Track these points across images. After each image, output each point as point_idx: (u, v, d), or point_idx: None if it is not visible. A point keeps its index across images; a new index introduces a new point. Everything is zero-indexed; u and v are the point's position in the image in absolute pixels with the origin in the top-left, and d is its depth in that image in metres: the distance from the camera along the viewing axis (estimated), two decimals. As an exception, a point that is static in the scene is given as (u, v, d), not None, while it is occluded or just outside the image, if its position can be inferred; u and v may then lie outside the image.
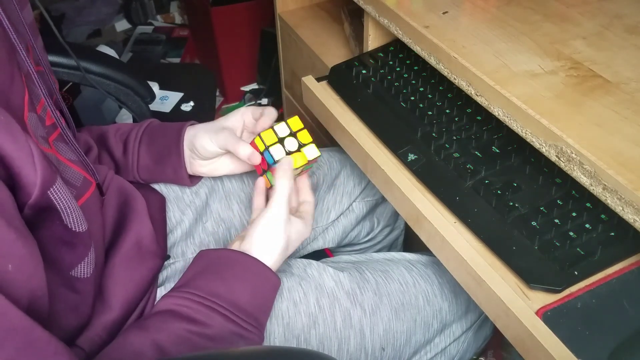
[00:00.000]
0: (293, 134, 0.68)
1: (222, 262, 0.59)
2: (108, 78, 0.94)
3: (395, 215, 0.97)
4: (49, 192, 0.44)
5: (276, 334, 0.64)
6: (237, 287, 0.57)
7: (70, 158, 0.56)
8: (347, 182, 0.88)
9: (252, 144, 0.68)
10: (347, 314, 0.67)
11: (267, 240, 0.61)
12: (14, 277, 0.38)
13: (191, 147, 0.71)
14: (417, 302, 0.71)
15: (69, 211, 0.47)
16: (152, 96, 1.02)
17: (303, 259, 0.73)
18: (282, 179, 0.63)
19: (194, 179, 0.76)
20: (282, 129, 0.68)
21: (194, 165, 0.73)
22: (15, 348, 0.37)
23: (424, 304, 0.72)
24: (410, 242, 1.06)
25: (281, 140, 0.67)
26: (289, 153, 0.67)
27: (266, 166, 0.68)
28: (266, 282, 0.59)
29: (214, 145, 0.69)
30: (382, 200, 0.92)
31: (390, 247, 1.01)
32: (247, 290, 0.57)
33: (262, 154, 0.68)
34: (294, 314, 0.65)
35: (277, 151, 0.67)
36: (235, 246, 0.62)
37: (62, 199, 0.45)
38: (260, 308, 0.58)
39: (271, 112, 0.71)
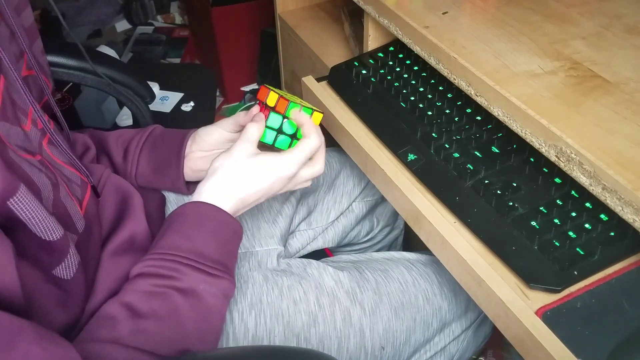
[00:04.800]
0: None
1: (177, 218, 0.58)
2: (108, 78, 0.95)
3: (395, 215, 0.97)
4: (8, 202, 0.42)
5: (276, 333, 0.64)
6: (194, 236, 0.56)
7: (63, 160, 0.57)
8: (347, 182, 0.89)
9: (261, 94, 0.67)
10: (347, 313, 0.67)
11: (222, 184, 0.59)
12: None
13: (195, 138, 0.71)
14: (417, 301, 0.71)
15: (34, 221, 0.45)
16: (152, 96, 1.02)
17: (303, 259, 0.73)
18: (253, 126, 0.62)
19: (192, 189, 0.75)
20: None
21: (194, 159, 0.72)
22: None
23: (424, 303, 0.72)
24: (410, 241, 1.06)
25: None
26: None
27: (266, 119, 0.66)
28: (224, 226, 0.58)
29: (217, 128, 0.69)
30: (382, 200, 0.92)
31: (389, 247, 1.01)
32: (205, 237, 0.56)
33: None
34: (294, 312, 0.65)
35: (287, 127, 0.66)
36: (197, 192, 0.60)
37: (26, 210, 0.44)
38: (225, 253, 0.57)
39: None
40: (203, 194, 0.59)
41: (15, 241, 0.45)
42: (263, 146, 0.65)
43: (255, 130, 0.62)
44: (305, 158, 0.63)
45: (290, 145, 0.67)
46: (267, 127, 0.65)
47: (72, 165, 0.58)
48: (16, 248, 0.45)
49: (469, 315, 0.76)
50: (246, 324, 0.64)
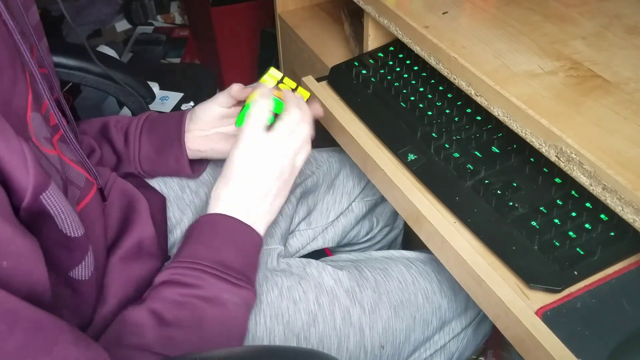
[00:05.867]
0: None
1: (200, 228, 0.59)
2: (108, 78, 0.95)
3: (395, 214, 0.97)
4: (41, 197, 0.43)
5: (276, 332, 0.64)
6: (219, 246, 0.57)
7: (72, 159, 0.57)
8: (347, 182, 0.89)
9: None
10: (347, 312, 0.67)
11: (237, 193, 0.60)
12: (10, 273, 0.38)
13: (191, 117, 0.73)
14: (416, 299, 0.71)
15: (63, 216, 0.46)
16: (152, 96, 1.02)
17: (302, 259, 0.73)
18: (256, 104, 0.63)
19: (196, 169, 0.76)
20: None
21: (192, 139, 0.73)
22: (24, 333, 0.37)
23: (423, 301, 0.72)
24: (409, 241, 1.06)
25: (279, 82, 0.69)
26: None
27: None
28: (246, 238, 0.59)
29: (212, 104, 0.71)
30: (382, 200, 0.92)
31: (389, 247, 1.01)
32: (229, 248, 0.57)
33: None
34: (293, 312, 0.65)
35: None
36: (213, 199, 0.61)
37: (56, 204, 0.45)
38: (246, 264, 0.58)
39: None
40: (219, 205, 0.60)
41: (38, 239, 0.45)
42: None
43: (256, 111, 0.62)
44: (289, 131, 0.63)
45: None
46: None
47: (82, 164, 0.58)
48: None
49: (469, 314, 0.76)
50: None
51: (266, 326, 0.63)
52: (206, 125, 0.72)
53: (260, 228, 0.61)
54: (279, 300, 0.65)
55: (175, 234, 0.74)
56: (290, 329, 0.64)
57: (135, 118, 0.75)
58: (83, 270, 0.51)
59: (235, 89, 0.70)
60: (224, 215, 0.60)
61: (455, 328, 0.75)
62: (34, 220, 0.45)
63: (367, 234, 0.94)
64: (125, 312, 0.54)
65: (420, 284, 0.72)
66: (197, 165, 0.77)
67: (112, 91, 0.97)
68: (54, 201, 0.44)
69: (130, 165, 0.74)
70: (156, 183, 0.76)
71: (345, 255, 0.78)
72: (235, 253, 0.58)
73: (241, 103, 0.73)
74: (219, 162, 0.82)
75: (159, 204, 0.73)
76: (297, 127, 0.63)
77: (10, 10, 0.49)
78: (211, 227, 0.59)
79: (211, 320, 0.54)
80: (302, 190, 0.83)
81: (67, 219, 0.47)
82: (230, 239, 0.58)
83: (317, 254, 0.89)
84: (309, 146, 0.65)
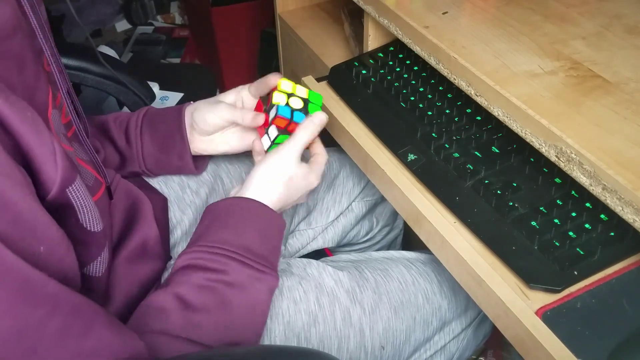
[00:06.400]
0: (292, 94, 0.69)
1: (225, 211, 0.60)
2: (108, 78, 0.95)
3: (394, 214, 0.97)
4: (67, 190, 0.44)
5: (277, 332, 0.64)
6: (243, 231, 0.58)
7: (82, 157, 0.57)
8: (347, 182, 0.89)
9: (258, 104, 0.70)
10: (347, 312, 0.67)
11: (265, 182, 0.62)
12: (46, 259, 0.39)
13: (191, 121, 0.72)
14: (417, 300, 0.71)
15: (85, 210, 0.47)
16: (152, 96, 1.02)
17: (303, 259, 0.73)
18: (305, 130, 0.65)
19: (199, 166, 0.76)
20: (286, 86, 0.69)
21: (194, 141, 0.73)
22: (64, 316, 0.38)
23: (424, 302, 0.72)
24: (409, 241, 1.06)
25: (289, 96, 0.68)
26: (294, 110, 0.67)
27: (267, 124, 0.68)
28: (270, 222, 0.60)
29: (214, 117, 0.70)
30: (382, 200, 0.92)
31: (389, 247, 1.01)
32: (254, 233, 0.58)
33: (268, 112, 0.68)
34: (294, 312, 0.65)
35: (295, 103, 0.68)
36: (234, 192, 0.63)
37: (80, 198, 0.46)
38: (270, 249, 0.59)
39: (274, 75, 0.71)
40: (250, 189, 0.62)
41: None
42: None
43: (304, 135, 0.65)
44: (318, 173, 0.68)
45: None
46: (274, 143, 0.68)
47: (91, 163, 0.59)
48: None
49: (469, 314, 0.76)
50: None
51: (266, 326, 0.64)
52: (207, 132, 0.73)
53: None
54: (280, 300, 0.65)
55: (176, 234, 0.74)
56: (291, 329, 0.64)
57: (134, 114, 0.75)
58: (98, 266, 0.52)
59: (249, 119, 0.68)
60: (248, 198, 0.60)
61: (456, 328, 0.75)
62: (56, 213, 0.45)
63: (367, 234, 0.94)
64: (151, 296, 0.54)
65: (420, 285, 0.72)
66: (200, 162, 0.77)
67: (112, 91, 0.97)
68: (79, 195, 0.45)
69: (135, 164, 0.74)
70: (157, 183, 0.76)
71: (346, 255, 0.78)
72: (259, 238, 0.58)
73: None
74: (221, 162, 0.82)
75: (160, 204, 0.73)
76: (320, 170, 0.68)
77: (33, 5, 0.50)
78: (235, 211, 0.60)
79: (236, 305, 0.54)
80: None
81: (89, 213, 0.48)
82: (254, 222, 0.59)
83: (317, 254, 0.89)
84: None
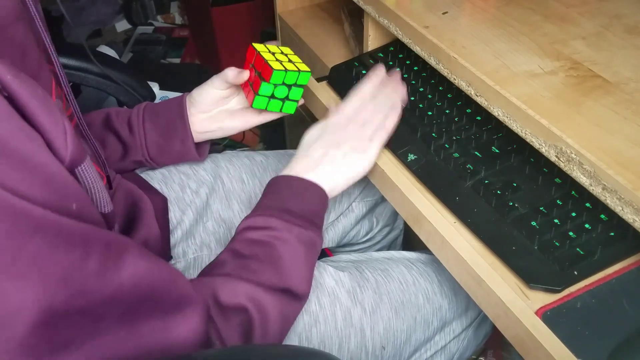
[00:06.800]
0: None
1: (272, 186, 0.65)
2: (108, 78, 0.95)
3: (395, 215, 0.97)
4: (77, 170, 0.44)
5: None
6: (286, 199, 0.63)
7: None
8: None
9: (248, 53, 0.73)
10: (348, 312, 0.67)
11: (307, 155, 0.66)
12: (78, 215, 0.39)
13: (191, 101, 0.74)
14: (417, 300, 0.71)
15: (95, 190, 0.47)
16: (153, 96, 1.02)
17: None
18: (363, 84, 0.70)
19: (202, 152, 0.78)
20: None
21: (196, 122, 0.75)
22: (98, 254, 0.40)
23: (424, 302, 0.72)
24: (410, 241, 1.06)
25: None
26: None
27: (257, 87, 0.70)
28: (311, 193, 0.64)
29: (209, 88, 0.73)
30: (382, 200, 0.92)
31: (389, 247, 1.01)
32: (295, 200, 0.63)
33: (256, 70, 0.71)
34: None
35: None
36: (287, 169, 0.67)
37: (90, 178, 0.46)
38: (311, 212, 0.63)
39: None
40: (296, 166, 0.66)
41: None
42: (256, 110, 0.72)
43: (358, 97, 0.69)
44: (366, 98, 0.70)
45: (282, 108, 0.72)
46: (258, 94, 0.69)
47: (92, 155, 0.59)
48: None
49: (470, 314, 0.76)
50: None
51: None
52: (208, 107, 0.74)
53: (325, 184, 0.65)
54: None
55: (176, 235, 0.74)
56: (292, 328, 0.64)
57: (135, 108, 0.76)
58: None
59: (231, 75, 0.71)
60: (290, 176, 0.65)
61: (456, 328, 0.75)
62: None
63: (367, 234, 0.94)
64: (217, 255, 0.61)
65: (421, 285, 0.72)
66: (202, 149, 0.78)
67: (112, 91, 0.97)
68: (88, 175, 0.46)
69: (138, 152, 0.74)
70: (157, 183, 0.76)
71: (346, 255, 0.78)
72: (300, 203, 0.63)
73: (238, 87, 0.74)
74: (221, 162, 0.82)
75: (160, 205, 0.73)
76: (378, 94, 0.70)
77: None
78: (279, 184, 0.65)
79: (281, 253, 0.59)
80: None
81: (98, 193, 0.48)
82: (296, 192, 0.64)
83: (318, 254, 0.88)
84: (396, 111, 0.70)
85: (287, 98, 0.71)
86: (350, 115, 0.68)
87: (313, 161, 0.65)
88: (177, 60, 1.92)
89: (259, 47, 0.72)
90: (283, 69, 0.68)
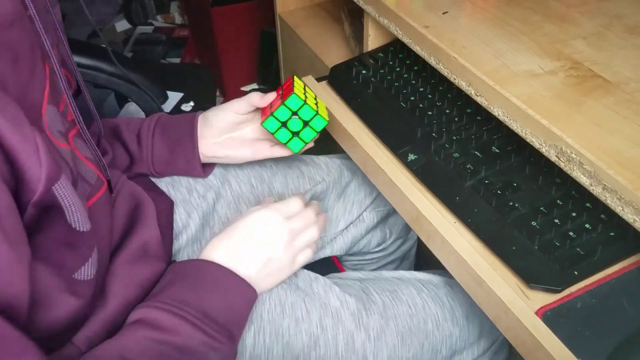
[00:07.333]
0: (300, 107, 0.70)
1: (192, 273, 0.58)
2: (120, 78, 0.95)
3: (408, 227, 0.94)
4: (53, 188, 0.43)
5: (275, 352, 0.62)
6: (207, 296, 0.55)
7: (86, 155, 0.57)
8: (358, 191, 0.86)
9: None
10: (350, 337, 0.64)
11: (245, 249, 0.60)
12: None
13: (204, 122, 0.73)
14: (426, 326, 0.68)
15: (73, 209, 0.46)
16: (165, 96, 1.02)
17: (310, 272, 0.70)
18: (297, 198, 0.65)
19: (207, 169, 0.77)
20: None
21: (205, 145, 0.74)
22: None
23: (433, 328, 0.68)
24: (426, 259, 1.03)
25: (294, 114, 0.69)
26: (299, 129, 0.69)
27: (275, 108, 0.69)
28: (239, 295, 0.58)
29: (226, 111, 0.72)
30: (394, 210, 0.90)
31: (402, 259, 0.98)
32: (217, 301, 0.56)
33: (271, 109, 0.70)
34: (294, 332, 0.63)
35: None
36: (210, 245, 0.61)
37: (67, 196, 0.45)
38: (233, 321, 0.56)
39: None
40: (227, 256, 0.60)
41: (45, 239, 0.45)
42: (266, 132, 0.71)
43: (294, 201, 0.65)
44: (302, 228, 0.65)
45: (289, 142, 0.71)
46: (273, 115, 0.68)
47: (95, 162, 0.59)
48: (43, 248, 0.45)
49: (482, 343, 0.72)
50: (244, 340, 0.61)
51: (265, 344, 0.62)
52: (219, 131, 0.73)
53: (257, 288, 0.60)
54: (281, 318, 0.63)
55: (181, 239, 0.72)
56: (290, 349, 0.62)
57: (146, 120, 0.75)
58: (88, 269, 0.51)
59: (256, 98, 0.70)
60: (216, 265, 0.58)
61: (466, 358, 0.72)
62: (43, 216, 0.45)
63: (379, 244, 0.91)
64: (97, 348, 0.51)
65: (431, 309, 0.69)
66: (207, 168, 0.77)
67: (124, 90, 0.97)
68: (64, 193, 0.44)
69: (143, 165, 0.74)
70: (164, 186, 0.76)
71: (355, 273, 0.75)
72: (221, 306, 0.56)
73: (258, 109, 0.74)
74: (230, 166, 0.81)
75: (166, 207, 0.72)
76: (309, 228, 0.66)
77: (39, 6, 0.49)
78: (201, 274, 0.58)
79: None
80: (311, 196, 0.82)
81: (76, 211, 0.47)
82: (218, 291, 0.57)
83: (325, 262, 0.87)
84: (311, 251, 0.66)
85: (297, 134, 0.70)
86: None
87: (253, 259, 0.60)
88: (177, 60, 1.92)
89: (297, 80, 0.72)
90: (303, 99, 0.68)
